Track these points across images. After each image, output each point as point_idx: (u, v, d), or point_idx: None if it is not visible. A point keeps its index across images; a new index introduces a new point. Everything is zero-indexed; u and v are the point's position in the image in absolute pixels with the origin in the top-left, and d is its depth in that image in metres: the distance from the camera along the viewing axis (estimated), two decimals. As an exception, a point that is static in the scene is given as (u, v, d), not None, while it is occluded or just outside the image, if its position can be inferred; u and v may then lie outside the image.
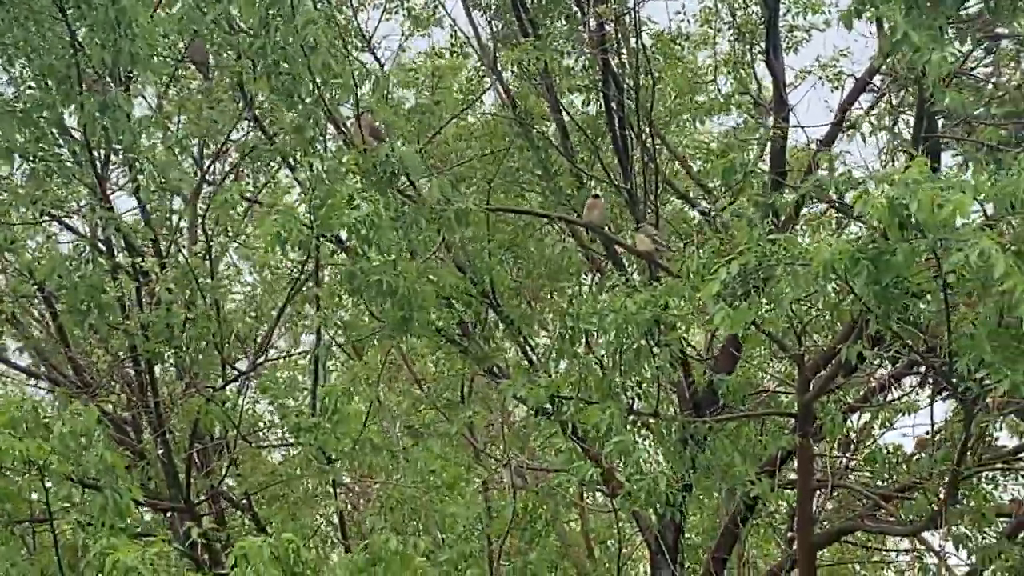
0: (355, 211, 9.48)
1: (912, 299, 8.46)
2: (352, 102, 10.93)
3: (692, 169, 14.60)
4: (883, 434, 14.21)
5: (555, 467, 13.69)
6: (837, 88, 14.14)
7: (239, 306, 14.86)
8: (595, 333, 10.82)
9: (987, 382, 8.69)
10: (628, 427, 10.18)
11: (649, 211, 13.38)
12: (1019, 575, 12.52)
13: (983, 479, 12.97)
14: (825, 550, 15.56)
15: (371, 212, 9.48)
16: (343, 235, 10.61)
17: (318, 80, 10.26)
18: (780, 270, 8.71)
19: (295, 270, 12.28)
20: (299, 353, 15.25)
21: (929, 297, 8.58)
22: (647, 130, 13.43)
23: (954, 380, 8.94)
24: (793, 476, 12.79)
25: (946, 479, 11.07)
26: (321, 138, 10.66)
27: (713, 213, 12.05)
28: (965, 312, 8.59)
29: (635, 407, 11.44)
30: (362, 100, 10.83)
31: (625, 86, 13.32)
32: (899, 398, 14.67)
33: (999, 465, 12.84)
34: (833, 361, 11.41)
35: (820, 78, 14.43)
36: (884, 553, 16.40)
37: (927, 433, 12.93)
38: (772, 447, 12.00)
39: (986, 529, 12.42)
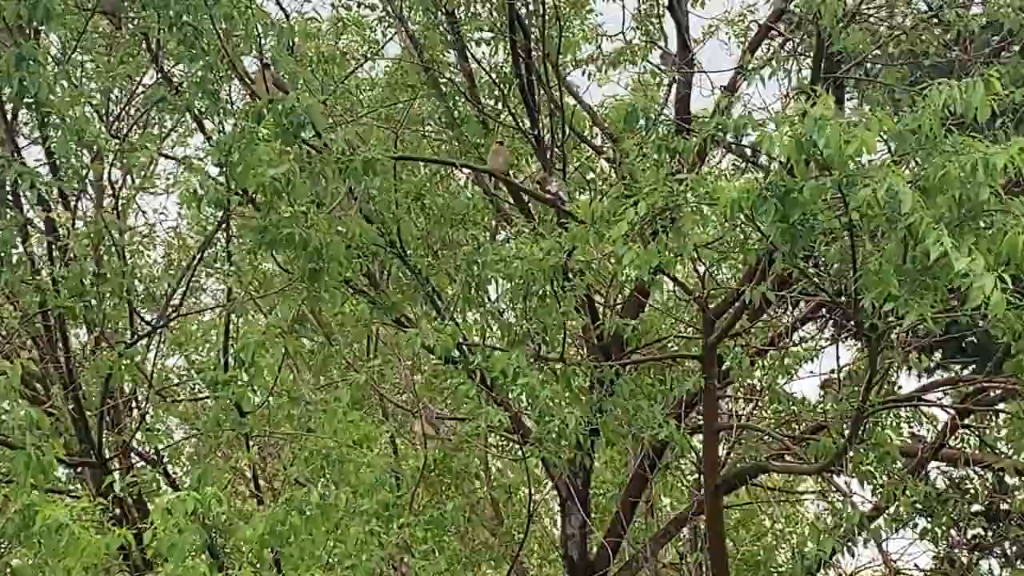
0: (271, 169, 9.51)
1: (819, 236, 8.54)
2: (256, 54, 10.89)
3: (598, 116, 14.61)
4: (790, 379, 14.34)
5: (465, 416, 13.72)
6: (743, 41, 14.24)
7: (149, 261, 14.82)
8: (500, 280, 10.88)
9: (891, 318, 8.82)
10: (534, 371, 10.20)
11: (556, 158, 13.41)
12: (922, 511, 12.76)
13: (887, 418, 13.16)
14: (736, 494, 15.74)
15: (287, 171, 9.52)
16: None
17: (221, 32, 10.20)
18: (687, 210, 8.76)
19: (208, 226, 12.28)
20: (211, 308, 15.19)
21: (835, 235, 8.68)
22: (554, 77, 13.42)
23: (860, 317, 9.03)
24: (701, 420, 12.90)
25: (850, 419, 11.21)
26: (226, 90, 10.64)
27: (619, 159, 12.06)
28: (871, 249, 8.68)
29: (541, 352, 11.52)
30: (266, 52, 10.78)
31: (532, 33, 13.29)
32: (803, 341, 14.87)
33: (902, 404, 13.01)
34: (737, 304, 11.47)
35: (727, 34, 14.58)
36: (792, 495, 16.59)
37: (831, 372, 13.10)
38: (678, 390, 12.11)
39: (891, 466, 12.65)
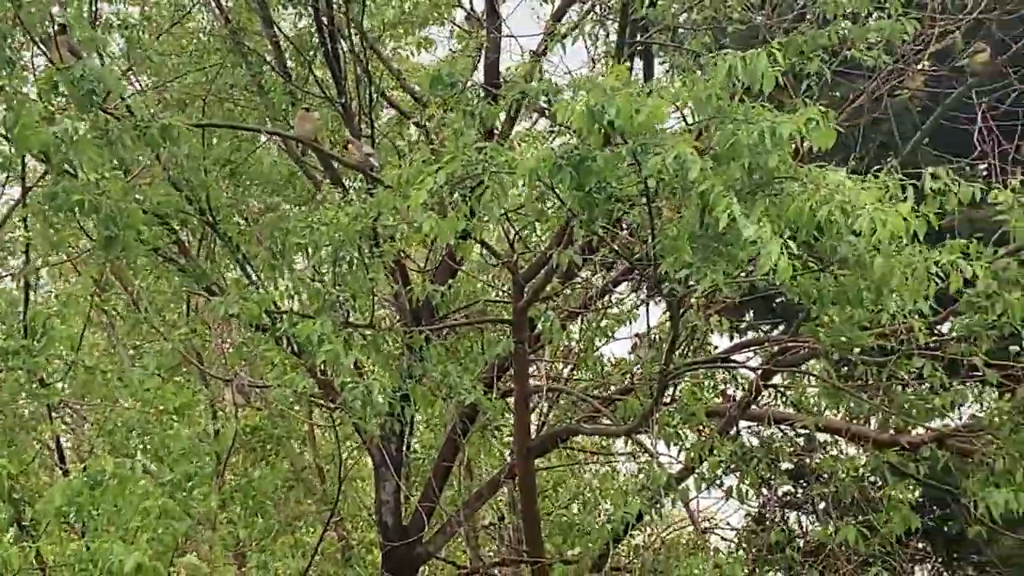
0: (51, 128, 9.32)
1: (616, 204, 8.60)
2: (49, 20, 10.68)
3: (407, 82, 14.57)
4: (605, 342, 14.46)
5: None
6: (548, 1, 14.26)
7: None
8: (308, 247, 10.81)
9: (691, 283, 8.93)
10: (342, 338, 10.16)
11: (364, 124, 13.35)
12: (729, 470, 12.94)
13: (704, 378, 13.35)
14: (552, 456, 15.86)
15: (67, 129, 9.32)
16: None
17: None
18: (487, 178, 8.77)
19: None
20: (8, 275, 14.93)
21: (634, 202, 8.75)
22: (360, 42, 13.35)
23: (660, 283, 9.13)
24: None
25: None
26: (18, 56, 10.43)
27: (426, 124, 12.03)
28: (669, 216, 8.78)
29: (350, 319, 11.47)
30: (59, 17, 10.58)
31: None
32: (620, 303, 15.01)
33: (705, 366, 13.18)
34: (547, 268, 11.52)
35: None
36: (606, 457, 16.74)
37: (637, 335, 13.23)
38: (488, 354, 12.13)
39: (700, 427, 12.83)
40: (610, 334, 14.10)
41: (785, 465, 14.63)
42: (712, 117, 8.11)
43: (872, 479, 12.97)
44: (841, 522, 11.91)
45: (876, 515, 11.93)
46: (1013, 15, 12.03)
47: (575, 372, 14.54)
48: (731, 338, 15.30)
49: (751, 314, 16.27)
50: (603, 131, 7.93)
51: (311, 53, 13.92)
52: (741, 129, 7.70)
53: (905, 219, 7.58)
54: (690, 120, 8.69)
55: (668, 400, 12.65)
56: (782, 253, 7.25)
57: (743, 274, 9.17)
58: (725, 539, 15.03)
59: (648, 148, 7.88)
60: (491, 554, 17.17)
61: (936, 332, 11.47)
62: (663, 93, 7.94)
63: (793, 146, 7.91)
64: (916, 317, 9.63)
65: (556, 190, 8.35)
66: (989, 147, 11.69)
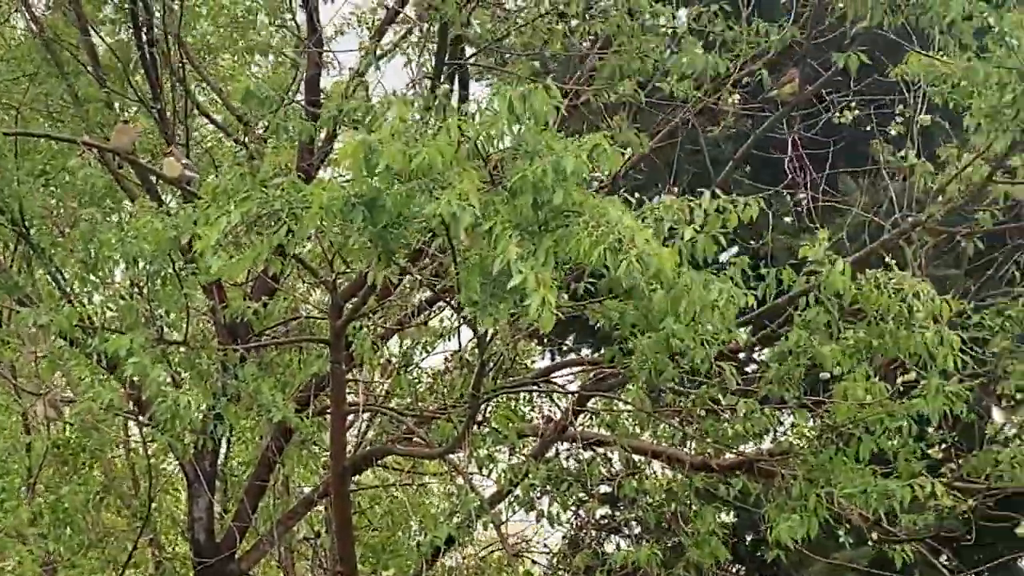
0: None
1: (416, 235, 8.50)
2: None
3: (227, 98, 14.44)
4: (424, 358, 14.47)
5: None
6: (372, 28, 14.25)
7: None
8: (120, 260, 10.66)
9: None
10: (154, 353, 10.04)
11: (179, 135, 13.21)
12: (545, 492, 12.99)
13: (512, 400, 13.39)
14: (370, 475, 15.82)
15: None
16: None
17: None
18: (284, 214, 8.61)
19: None
20: None
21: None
22: (178, 53, 13.20)
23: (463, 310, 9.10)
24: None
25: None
26: None
27: (247, 140, 11.95)
28: (467, 245, 8.70)
29: (163, 335, 11.35)
30: None
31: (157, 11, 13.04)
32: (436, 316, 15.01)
33: (520, 387, 13.24)
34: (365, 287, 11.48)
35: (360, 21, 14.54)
36: (420, 476, 16.74)
37: (447, 358, 13.27)
38: (303, 373, 12.08)
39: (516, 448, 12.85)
40: (430, 349, 14.11)
41: (604, 488, 14.74)
42: (504, 150, 8.03)
43: (688, 502, 13.11)
44: (657, 545, 12.00)
45: (686, 539, 12.04)
46: (821, 41, 12.24)
47: (392, 391, 14.50)
48: (551, 359, 15.40)
49: (572, 338, 16.42)
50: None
51: (130, 62, 13.73)
52: (528, 164, 7.60)
53: (681, 250, 7.67)
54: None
55: (482, 421, 12.67)
56: (543, 304, 7.14)
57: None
58: (536, 562, 15.11)
59: (427, 189, 7.78)
60: (307, 572, 17.08)
61: (750, 360, 11.68)
62: (447, 129, 7.79)
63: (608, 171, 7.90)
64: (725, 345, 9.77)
65: (350, 226, 8.23)
66: (799, 176, 11.92)
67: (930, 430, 11.24)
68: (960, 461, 11.16)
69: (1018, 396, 11.86)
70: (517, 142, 7.79)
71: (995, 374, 11.35)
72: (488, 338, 9.87)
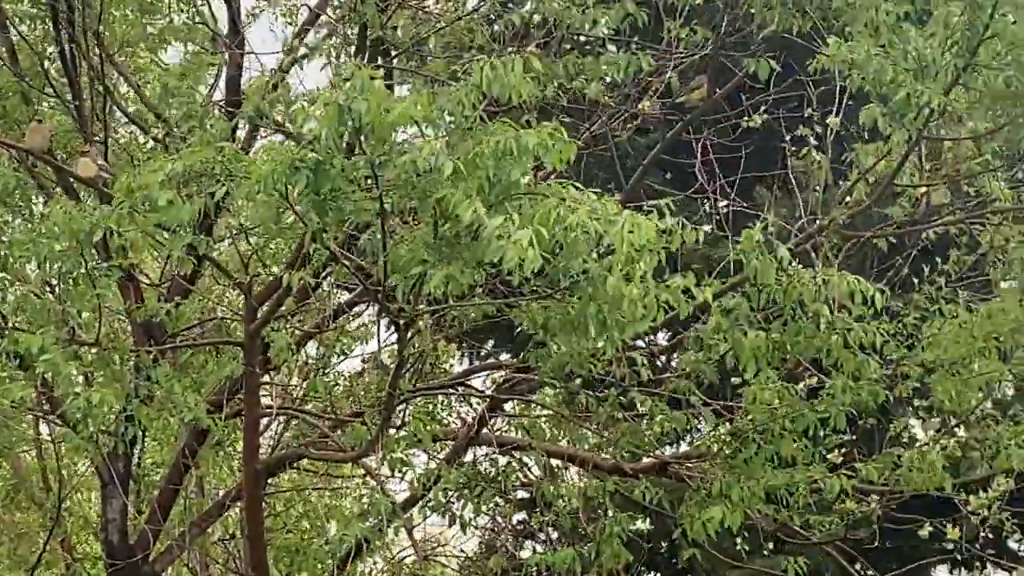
0: None
1: (351, 215, 8.46)
2: None
3: (145, 95, 14.29)
4: (341, 361, 14.43)
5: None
6: (292, 24, 14.16)
7: None
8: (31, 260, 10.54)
9: (421, 306, 8.91)
10: (67, 351, 9.96)
11: (97, 132, 13.07)
12: (460, 498, 12.98)
13: (430, 403, 13.36)
14: (285, 478, 15.75)
15: None
16: None
17: None
18: (223, 178, 8.59)
19: None
20: None
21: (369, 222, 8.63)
22: (95, 48, 13.03)
23: (389, 304, 9.04)
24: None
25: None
26: None
27: (166, 137, 11.82)
28: (402, 233, 8.67)
29: (75, 335, 11.23)
30: None
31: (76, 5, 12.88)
32: (357, 327, 14.97)
33: (436, 390, 13.22)
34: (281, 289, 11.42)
35: (275, 15, 14.44)
36: (335, 480, 16.69)
37: (363, 360, 13.24)
38: (216, 375, 12.00)
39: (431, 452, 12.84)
40: (347, 352, 14.07)
41: (521, 494, 14.74)
42: (457, 128, 8.03)
43: (604, 507, 13.11)
44: (570, 549, 11.97)
45: (592, 542, 12.02)
46: (730, 45, 12.30)
47: (308, 394, 14.43)
48: (471, 362, 15.38)
49: (492, 342, 16.41)
50: (345, 136, 7.80)
51: (46, 57, 13.57)
52: (484, 140, 7.60)
53: (659, 233, 7.65)
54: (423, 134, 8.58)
55: (399, 424, 12.64)
56: (532, 243, 7.12)
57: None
58: (447, 566, 15.08)
59: (392, 152, 7.78)
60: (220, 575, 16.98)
61: (660, 365, 11.68)
62: (414, 99, 7.82)
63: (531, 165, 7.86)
64: (642, 347, 9.78)
65: (290, 198, 8.19)
66: (708, 182, 11.96)
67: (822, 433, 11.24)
68: (859, 465, 11.16)
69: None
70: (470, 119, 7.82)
71: (896, 376, 11.37)
72: (409, 336, 9.85)
